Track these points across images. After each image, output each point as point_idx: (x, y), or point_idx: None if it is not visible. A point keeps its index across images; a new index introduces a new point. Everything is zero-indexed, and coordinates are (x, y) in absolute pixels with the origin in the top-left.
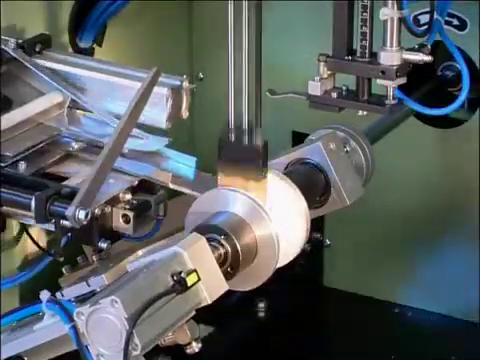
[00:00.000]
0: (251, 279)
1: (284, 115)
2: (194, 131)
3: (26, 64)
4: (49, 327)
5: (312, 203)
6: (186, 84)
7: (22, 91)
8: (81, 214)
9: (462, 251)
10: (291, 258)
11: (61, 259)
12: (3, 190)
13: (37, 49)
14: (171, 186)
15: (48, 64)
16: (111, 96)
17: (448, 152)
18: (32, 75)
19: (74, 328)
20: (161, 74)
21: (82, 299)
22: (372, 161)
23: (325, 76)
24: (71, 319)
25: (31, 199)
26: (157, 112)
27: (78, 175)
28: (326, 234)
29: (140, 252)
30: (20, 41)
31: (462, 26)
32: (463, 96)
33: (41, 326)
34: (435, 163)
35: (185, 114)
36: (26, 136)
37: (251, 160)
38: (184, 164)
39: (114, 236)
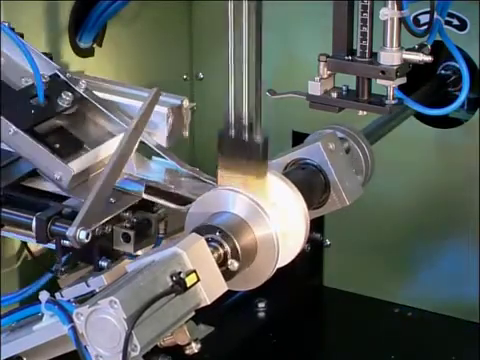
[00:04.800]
0: (251, 279)
1: (284, 115)
2: (194, 131)
3: (97, 105)
4: (48, 328)
5: (312, 203)
6: (186, 103)
7: (92, 132)
8: (82, 235)
9: (462, 251)
10: (291, 258)
11: (62, 277)
12: (4, 210)
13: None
14: (144, 196)
15: (102, 95)
16: None
17: (448, 152)
18: (102, 114)
19: (73, 329)
20: (161, 93)
21: (81, 300)
22: (372, 161)
23: (325, 76)
24: (70, 320)
25: (32, 219)
26: (157, 131)
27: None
28: (326, 234)
29: (140, 252)
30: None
31: (462, 26)
32: (463, 96)
33: (40, 327)
34: (435, 163)
35: (185, 133)
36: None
37: (251, 156)
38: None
39: (114, 255)
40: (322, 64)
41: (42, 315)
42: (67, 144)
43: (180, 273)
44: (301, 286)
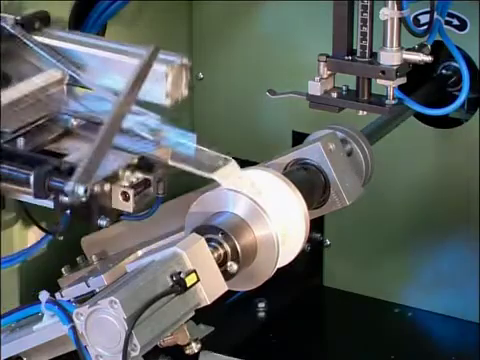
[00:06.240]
0: (251, 279)
1: (284, 115)
2: (194, 131)
3: (25, 41)
4: (48, 328)
5: (312, 203)
6: (185, 61)
7: (21, 68)
8: (80, 190)
9: (462, 251)
10: (291, 258)
11: (61, 238)
12: (2, 166)
13: (36, 26)
14: (171, 163)
15: (47, 41)
16: (110, 73)
17: (448, 152)
18: (31, 52)
19: (73, 329)
20: (160, 51)
21: (81, 300)
22: (372, 161)
23: (325, 76)
24: (70, 320)
25: (30, 174)
26: (157, 89)
27: (77, 152)
28: (326, 234)
29: (139, 252)
30: (18, 18)
31: (462, 26)
32: (463, 96)
33: (40, 327)
34: (435, 163)
35: (185, 91)
36: (25, 113)
37: None
38: (183, 141)
39: (113, 214)
40: (322, 64)
41: (42, 315)
42: None
43: (180, 273)
44: (301, 286)
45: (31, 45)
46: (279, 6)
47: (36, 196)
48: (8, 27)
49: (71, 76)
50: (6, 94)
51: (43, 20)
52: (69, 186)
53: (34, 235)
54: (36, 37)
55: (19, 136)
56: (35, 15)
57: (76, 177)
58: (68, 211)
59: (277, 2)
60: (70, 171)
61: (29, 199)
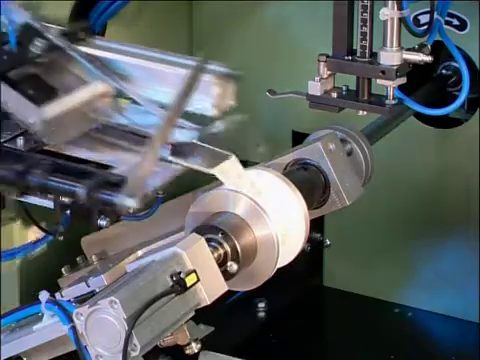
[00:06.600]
0: (251, 279)
1: (284, 115)
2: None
3: (70, 53)
4: (48, 328)
5: (312, 203)
6: (233, 71)
7: (66, 80)
8: (131, 202)
9: (462, 251)
10: (291, 258)
11: (60, 238)
12: (51, 178)
13: (80, 36)
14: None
15: (91, 51)
16: (155, 84)
17: (448, 152)
18: (76, 63)
19: (73, 329)
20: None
21: (81, 300)
22: (372, 161)
23: (325, 76)
24: (70, 320)
25: (80, 187)
26: (203, 99)
27: (123, 163)
28: (326, 234)
29: (140, 252)
30: (63, 28)
31: (462, 26)
32: (463, 96)
33: (40, 327)
34: (435, 163)
35: (231, 102)
36: (71, 126)
37: None
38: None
39: (113, 214)
40: (322, 64)
41: (42, 315)
42: (41, 91)
43: (180, 273)
44: (301, 286)
45: (76, 57)
46: (279, 6)
47: (84, 209)
48: (53, 38)
49: (116, 88)
50: (53, 108)
51: (87, 30)
52: (120, 199)
53: (34, 235)
54: (80, 47)
55: (18, 135)
56: (78, 25)
57: (126, 190)
58: (68, 211)
59: (277, 2)
60: (119, 183)
61: (29, 199)
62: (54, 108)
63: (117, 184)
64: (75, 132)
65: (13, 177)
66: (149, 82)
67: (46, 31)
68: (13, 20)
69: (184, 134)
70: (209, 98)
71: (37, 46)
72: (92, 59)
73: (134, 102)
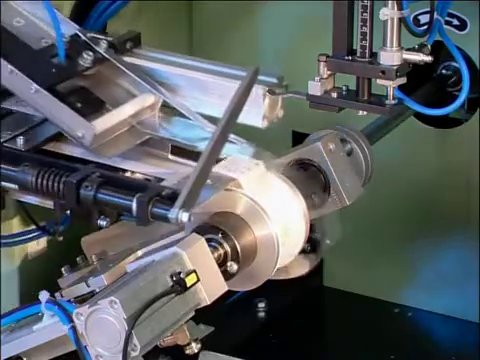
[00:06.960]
0: (251, 279)
1: (284, 115)
2: None
3: (118, 65)
4: (48, 328)
5: (312, 203)
6: (282, 82)
7: (114, 92)
8: (184, 216)
9: (462, 251)
10: (291, 258)
11: (60, 238)
12: (103, 191)
13: (128, 47)
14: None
15: (138, 62)
16: (204, 95)
17: (448, 152)
18: (123, 75)
19: (73, 329)
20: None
21: (81, 300)
22: (372, 161)
23: (325, 76)
24: (70, 320)
25: (132, 201)
26: (253, 111)
27: (173, 177)
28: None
29: (140, 252)
30: (111, 39)
31: (462, 26)
32: (463, 96)
33: (40, 327)
34: (435, 163)
35: (280, 113)
36: (119, 140)
37: None
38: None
39: (113, 214)
40: (322, 64)
41: (42, 315)
42: (89, 103)
43: (180, 273)
44: (301, 286)
45: (124, 69)
46: (279, 6)
47: (139, 223)
48: (102, 51)
49: (163, 100)
50: (103, 121)
51: (134, 40)
52: (173, 213)
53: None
54: (127, 58)
55: (18, 135)
56: (126, 35)
57: (180, 204)
58: (68, 211)
59: (277, 2)
60: (171, 197)
61: (29, 199)
62: (104, 122)
63: (169, 198)
64: (124, 146)
65: (67, 190)
66: (198, 93)
67: (94, 43)
68: (62, 32)
69: (234, 149)
70: (259, 109)
71: (85, 58)
72: (137, 69)
73: (179, 113)
